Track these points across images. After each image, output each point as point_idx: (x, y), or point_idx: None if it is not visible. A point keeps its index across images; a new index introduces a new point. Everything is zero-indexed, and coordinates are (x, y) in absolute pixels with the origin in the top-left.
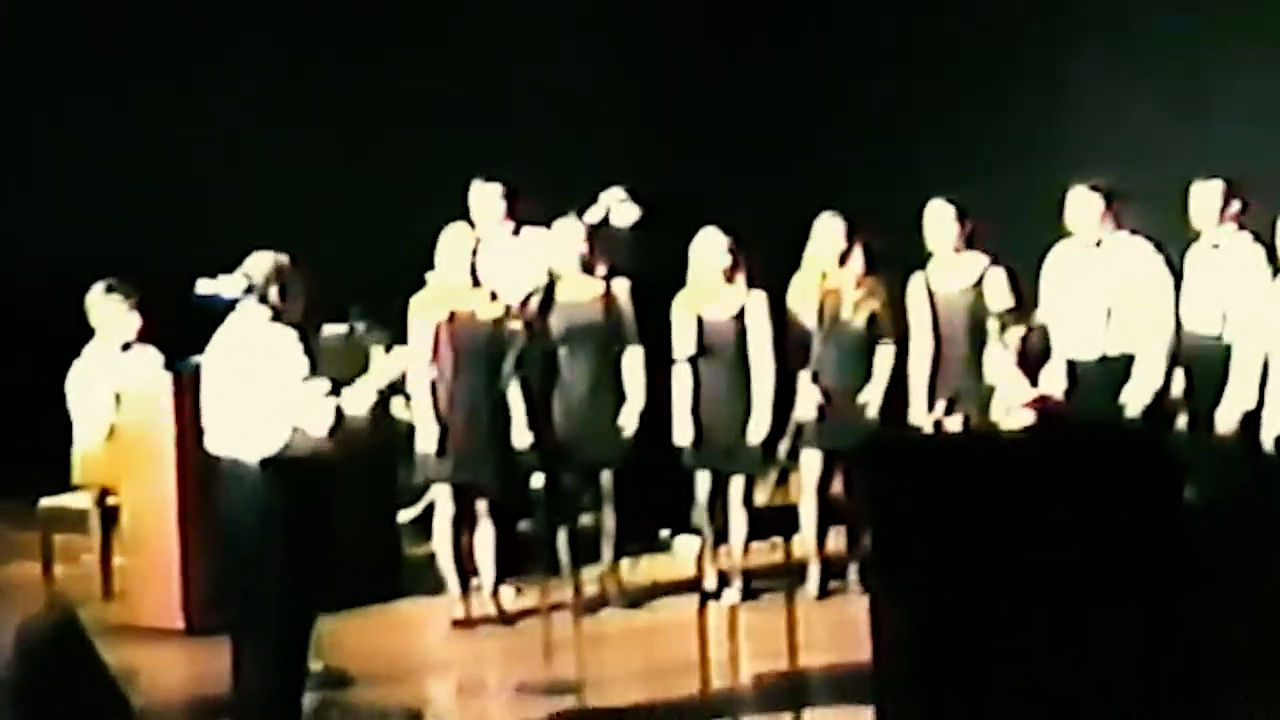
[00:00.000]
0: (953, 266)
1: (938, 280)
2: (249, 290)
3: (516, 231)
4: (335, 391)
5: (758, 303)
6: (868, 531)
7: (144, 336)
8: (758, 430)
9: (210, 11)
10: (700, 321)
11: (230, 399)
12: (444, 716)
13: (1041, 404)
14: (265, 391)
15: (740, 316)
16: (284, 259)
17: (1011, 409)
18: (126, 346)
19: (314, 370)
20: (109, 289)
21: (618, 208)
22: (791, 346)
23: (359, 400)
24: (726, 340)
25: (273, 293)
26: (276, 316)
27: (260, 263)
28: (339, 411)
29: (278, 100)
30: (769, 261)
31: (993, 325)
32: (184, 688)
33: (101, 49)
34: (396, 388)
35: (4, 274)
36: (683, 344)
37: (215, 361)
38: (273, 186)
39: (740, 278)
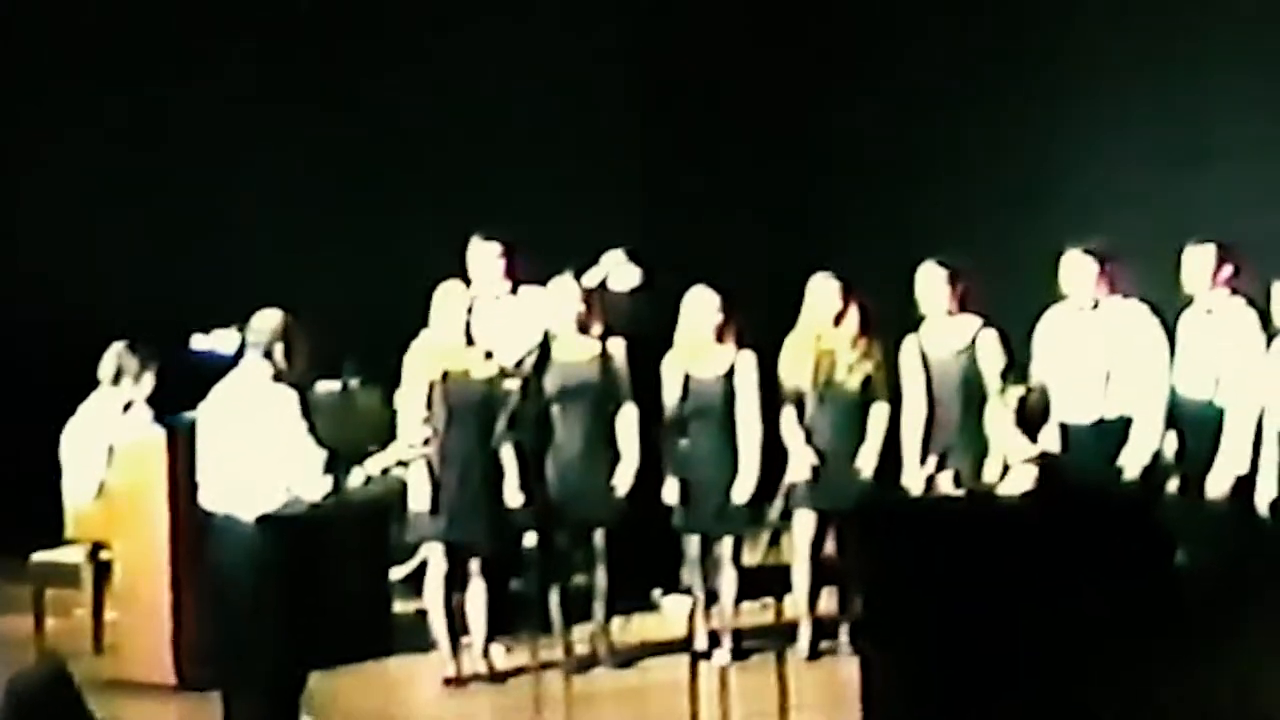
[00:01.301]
0: (946, 329)
1: (931, 343)
2: (243, 346)
3: (514, 290)
4: (332, 459)
5: (747, 362)
6: (859, 593)
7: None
8: (744, 490)
9: (205, 62)
10: (689, 380)
11: (227, 455)
12: None
13: (1043, 461)
14: (262, 451)
15: (729, 375)
16: (289, 317)
17: (1013, 466)
18: (128, 406)
19: (311, 430)
20: (130, 348)
21: (618, 270)
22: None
23: (361, 476)
24: (715, 399)
25: (278, 350)
26: (278, 376)
27: (266, 320)
28: (336, 483)
29: (272, 151)
30: (761, 322)
31: (993, 383)
32: None
33: (93, 100)
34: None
35: None
36: (671, 402)
37: (213, 417)
38: (267, 240)
39: (730, 337)
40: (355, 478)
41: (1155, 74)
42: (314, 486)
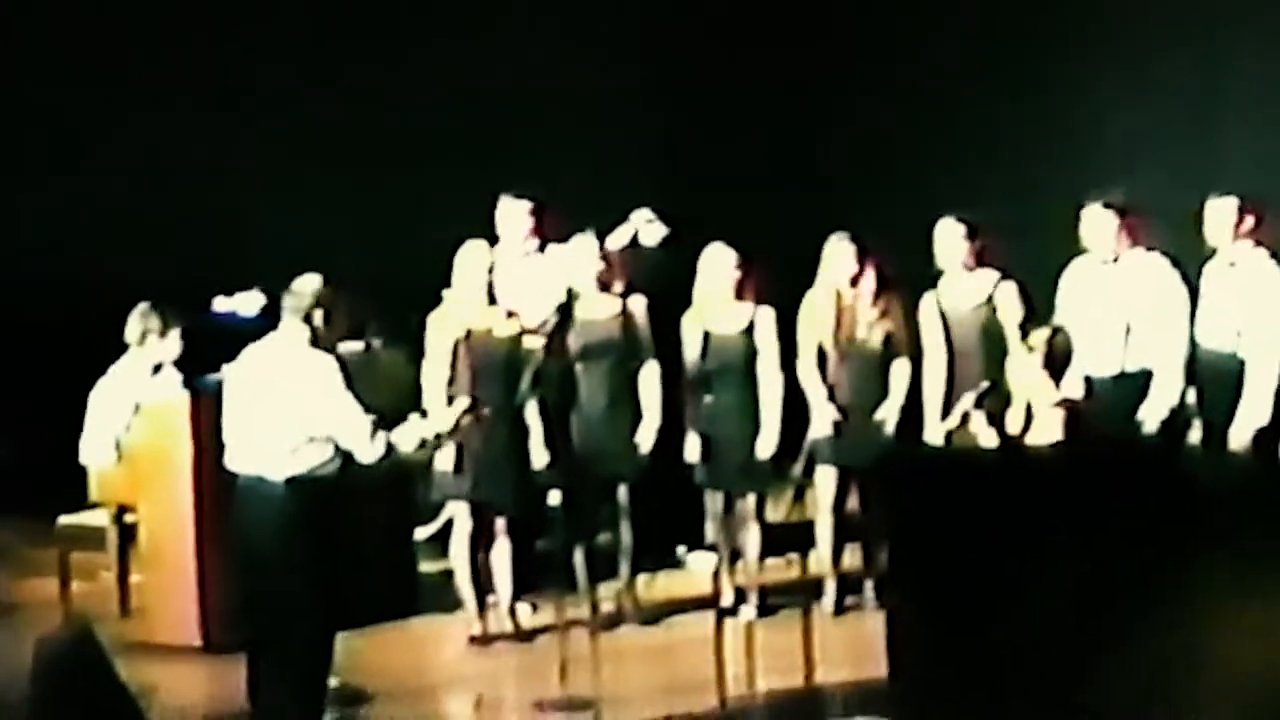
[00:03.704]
0: (964, 284)
1: (949, 298)
2: (266, 308)
3: (542, 248)
4: (380, 422)
5: (766, 318)
6: (884, 548)
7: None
8: (766, 446)
9: (233, 27)
10: (708, 337)
11: (257, 417)
12: None
13: (1069, 406)
14: (297, 414)
15: (749, 332)
16: (330, 283)
17: (1038, 412)
18: (158, 368)
19: (356, 396)
20: (157, 309)
21: (645, 227)
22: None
23: (409, 439)
24: (736, 356)
25: (317, 316)
26: (315, 341)
27: (307, 285)
28: (389, 447)
29: (296, 115)
30: (779, 281)
31: (1014, 332)
32: (201, 705)
33: (119, 67)
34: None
35: (27, 293)
36: (691, 360)
37: (243, 379)
38: (290, 202)
39: (749, 293)
40: (408, 439)
41: (1176, 26)
42: (368, 450)
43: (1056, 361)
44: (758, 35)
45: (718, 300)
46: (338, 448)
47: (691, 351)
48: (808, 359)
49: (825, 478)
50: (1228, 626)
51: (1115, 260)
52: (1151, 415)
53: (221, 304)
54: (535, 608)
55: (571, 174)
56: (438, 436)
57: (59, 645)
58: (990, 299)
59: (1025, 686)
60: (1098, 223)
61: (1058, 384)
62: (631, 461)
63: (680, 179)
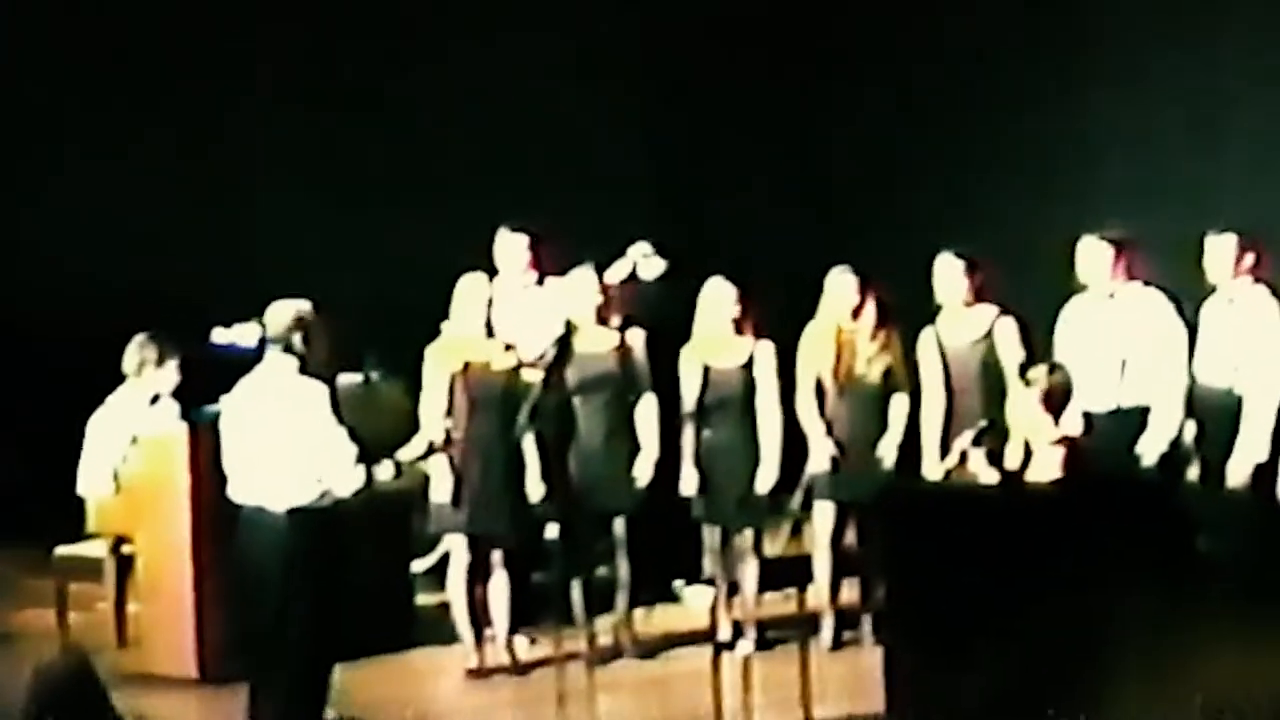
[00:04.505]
0: (963, 319)
1: (948, 333)
2: (264, 340)
3: (540, 281)
4: (364, 453)
5: (766, 353)
6: (881, 583)
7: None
8: (765, 481)
9: (229, 57)
10: (708, 371)
11: (256, 448)
12: None
13: (1068, 444)
14: (292, 444)
15: (748, 366)
16: (305, 306)
17: (1038, 449)
18: (155, 399)
19: (342, 424)
20: (154, 339)
21: (644, 261)
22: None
23: (389, 469)
24: (734, 390)
25: (296, 341)
26: (304, 368)
27: (282, 312)
28: (368, 477)
29: (294, 146)
30: (779, 315)
31: (1012, 371)
32: None
33: (120, 95)
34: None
35: (24, 323)
36: (690, 394)
37: (240, 410)
38: (289, 234)
39: (748, 328)
40: (383, 470)
41: (1174, 61)
42: (347, 481)
43: (1055, 399)
44: (759, 68)
45: (717, 335)
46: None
47: (690, 386)
48: (806, 393)
49: (823, 512)
50: (1226, 660)
51: (1112, 296)
52: (1149, 450)
53: (220, 335)
54: (533, 641)
55: (570, 207)
56: (411, 464)
57: (56, 675)
58: (989, 334)
59: None
60: (1093, 256)
61: (1057, 421)
62: (629, 495)
63: (679, 213)
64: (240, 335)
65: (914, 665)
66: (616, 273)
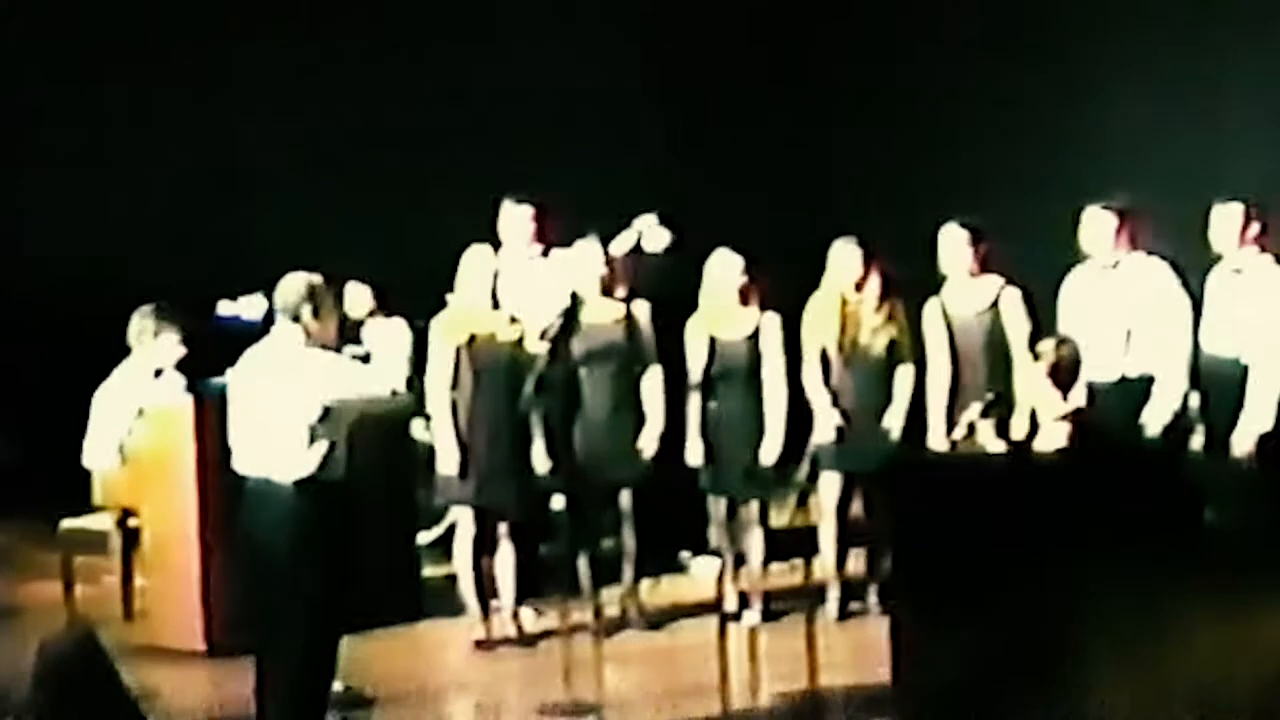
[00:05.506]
0: (968, 289)
1: (954, 303)
2: (270, 312)
3: (545, 254)
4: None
5: (772, 324)
6: (887, 553)
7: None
8: (770, 452)
9: (239, 29)
10: (714, 343)
11: (261, 420)
12: None
13: (1076, 417)
14: (299, 414)
15: (754, 338)
16: (316, 279)
17: (1044, 423)
18: (159, 372)
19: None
20: (157, 312)
21: (650, 233)
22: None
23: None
24: (740, 362)
25: (305, 313)
26: (310, 339)
27: (292, 284)
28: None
29: (302, 118)
30: (784, 287)
31: (1018, 342)
32: (205, 709)
33: (128, 66)
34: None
35: (30, 297)
36: (696, 366)
37: (246, 382)
38: (295, 206)
39: (754, 299)
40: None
41: (1181, 32)
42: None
43: (1063, 373)
44: (761, 39)
45: (723, 306)
46: (335, 445)
47: (696, 357)
48: (812, 364)
49: (829, 483)
50: (1231, 630)
51: (1115, 265)
52: (1154, 420)
53: (226, 308)
54: (539, 612)
55: (575, 179)
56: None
57: (62, 649)
58: (995, 305)
59: (1028, 692)
60: (1097, 225)
61: (1065, 395)
62: (635, 466)
63: (684, 184)
64: (246, 307)
65: (920, 636)
66: (621, 244)
